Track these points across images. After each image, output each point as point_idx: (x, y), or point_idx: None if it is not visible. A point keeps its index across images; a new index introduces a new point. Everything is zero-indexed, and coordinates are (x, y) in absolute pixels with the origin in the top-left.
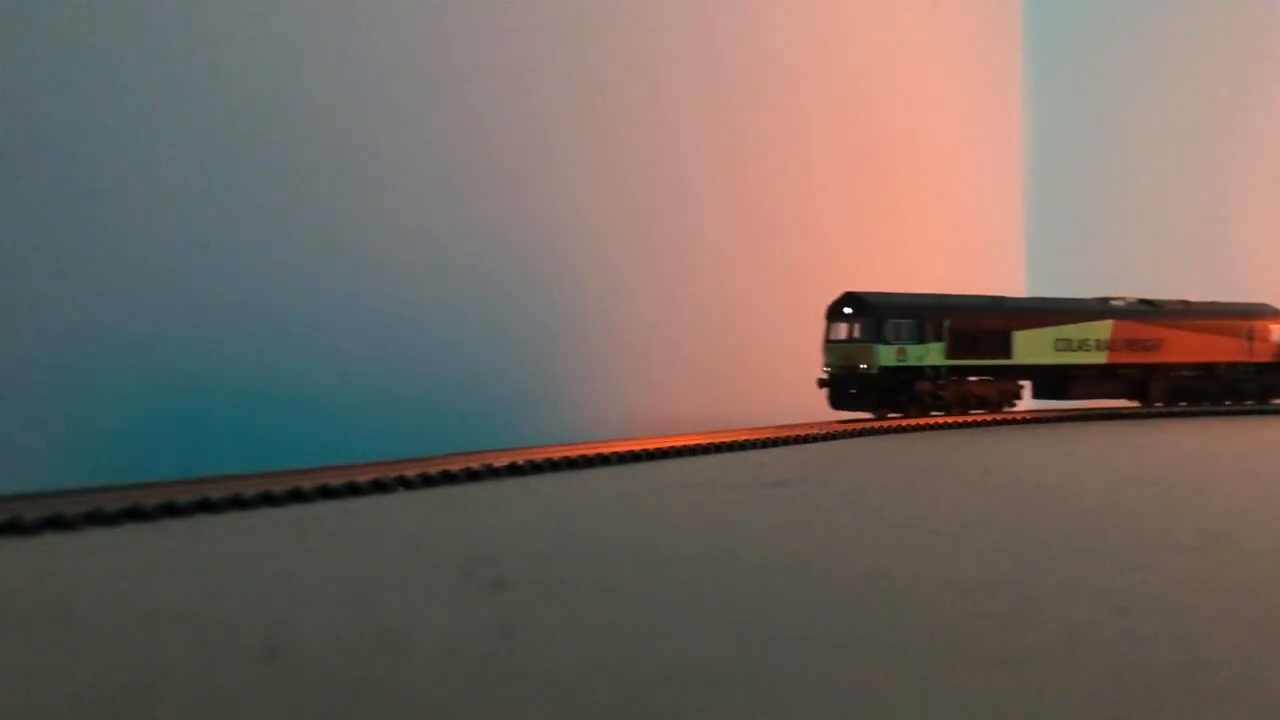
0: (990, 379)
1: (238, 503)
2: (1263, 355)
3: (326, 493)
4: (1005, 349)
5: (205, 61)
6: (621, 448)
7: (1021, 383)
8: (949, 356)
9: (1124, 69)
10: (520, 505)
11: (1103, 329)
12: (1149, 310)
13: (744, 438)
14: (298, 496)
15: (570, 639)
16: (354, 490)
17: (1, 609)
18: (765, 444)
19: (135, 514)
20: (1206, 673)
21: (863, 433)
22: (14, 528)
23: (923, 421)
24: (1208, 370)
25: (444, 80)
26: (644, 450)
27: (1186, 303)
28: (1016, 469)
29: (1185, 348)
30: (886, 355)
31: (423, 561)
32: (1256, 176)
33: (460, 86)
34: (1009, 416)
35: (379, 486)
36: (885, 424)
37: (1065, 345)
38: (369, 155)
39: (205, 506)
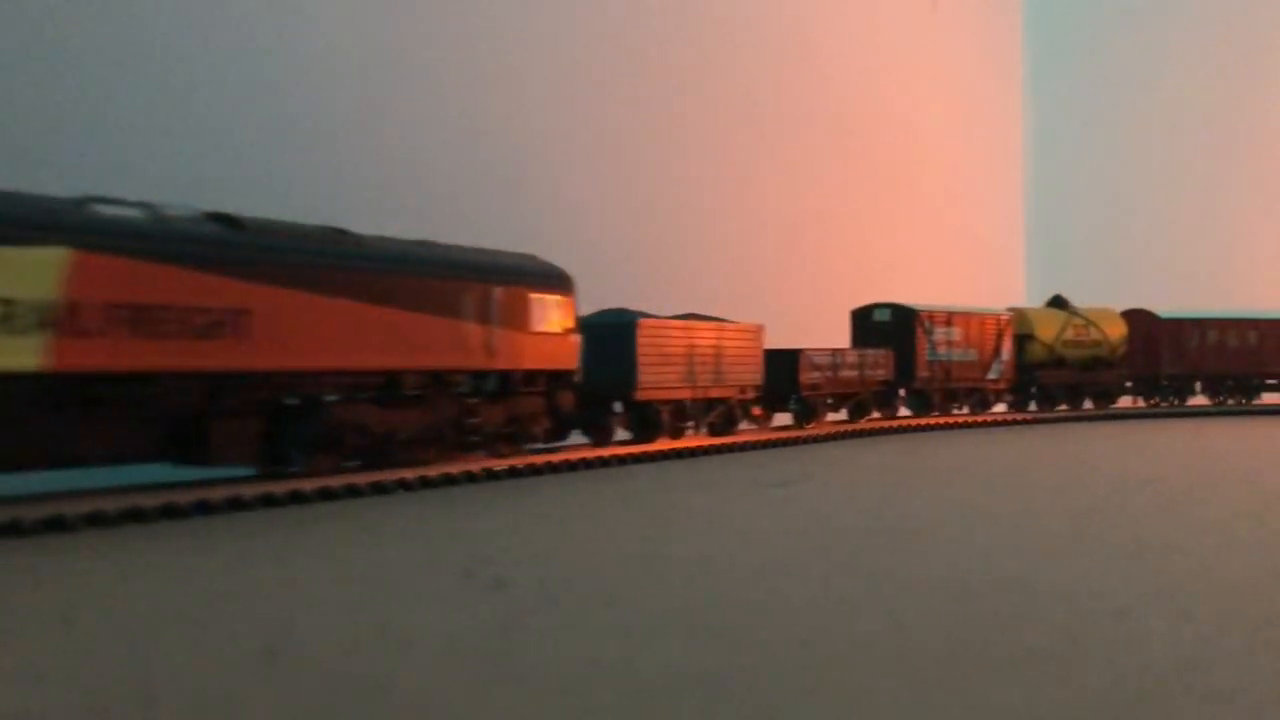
0: None
1: (237, 505)
2: (530, 356)
3: (326, 495)
4: None
5: None
6: (621, 450)
7: None
8: None
9: (1124, 77)
10: (520, 507)
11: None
12: (214, 238)
13: (744, 439)
14: (297, 498)
15: (570, 639)
16: (353, 492)
17: (1, 611)
18: (765, 445)
19: (135, 516)
20: (1207, 674)
21: (863, 434)
22: (13, 529)
23: (923, 422)
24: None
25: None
26: (644, 452)
27: (339, 234)
28: (1017, 470)
29: (305, 338)
30: None
31: (423, 562)
32: (1259, 182)
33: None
34: (1017, 417)
35: (378, 489)
36: (884, 425)
37: None
38: None
39: (205, 509)
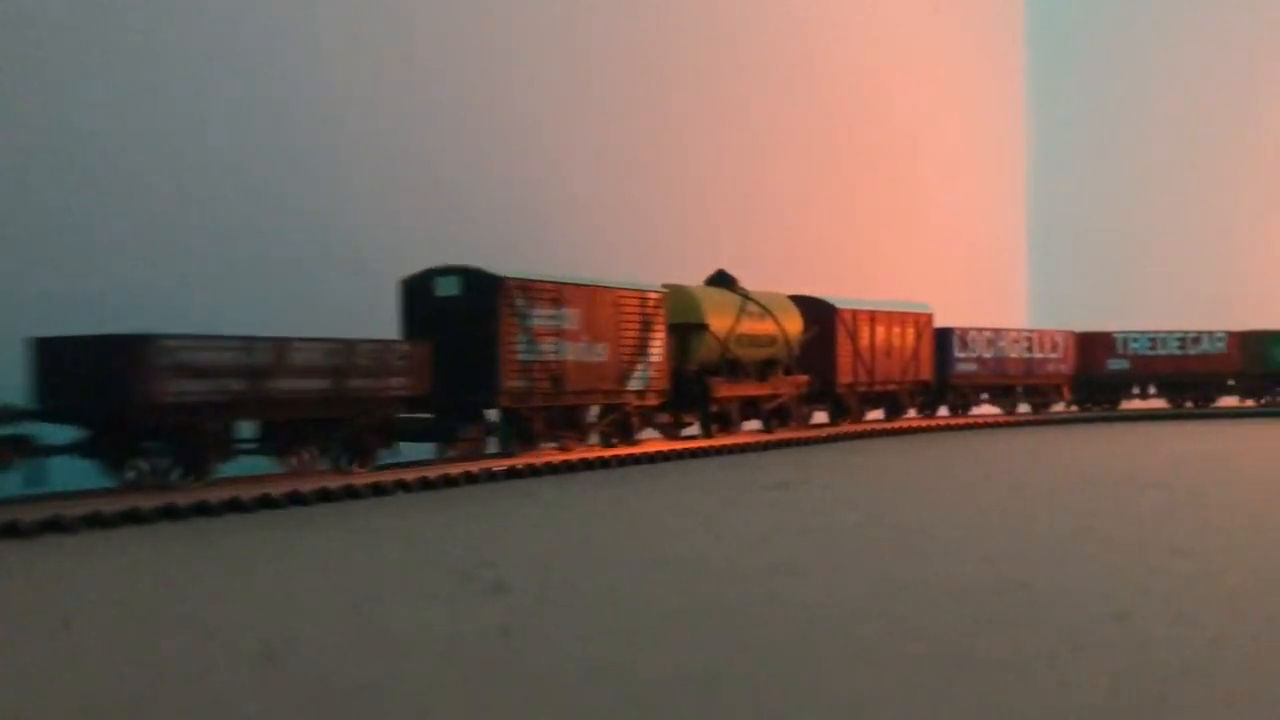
0: None
1: (236, 506)
2: None
3: (324, 496)
4: None
5: None
6: (622, 451)
7: None
8: None
9: (1127, 88)
10: (519, 509)
11: None
12: None
13: (744, 440)
14: (296, 500)
15: (570, 642)
16: (352, 494)
17: (0, 612)
18: (765, 446)
19: (134, 517)
20: (1207, 677)
21: (862, 435)
22: (13, 530)
23: (923, 423)
24: None
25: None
26: (644, 453)
27: None
28: (1017, 471)
29: None
30: None
31: (422, 564)
32: (1266, 195)
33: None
34: (1012, 419)
35: (377, 490)
36: (886, 425)
37: None
38: None
39: (203, 510)
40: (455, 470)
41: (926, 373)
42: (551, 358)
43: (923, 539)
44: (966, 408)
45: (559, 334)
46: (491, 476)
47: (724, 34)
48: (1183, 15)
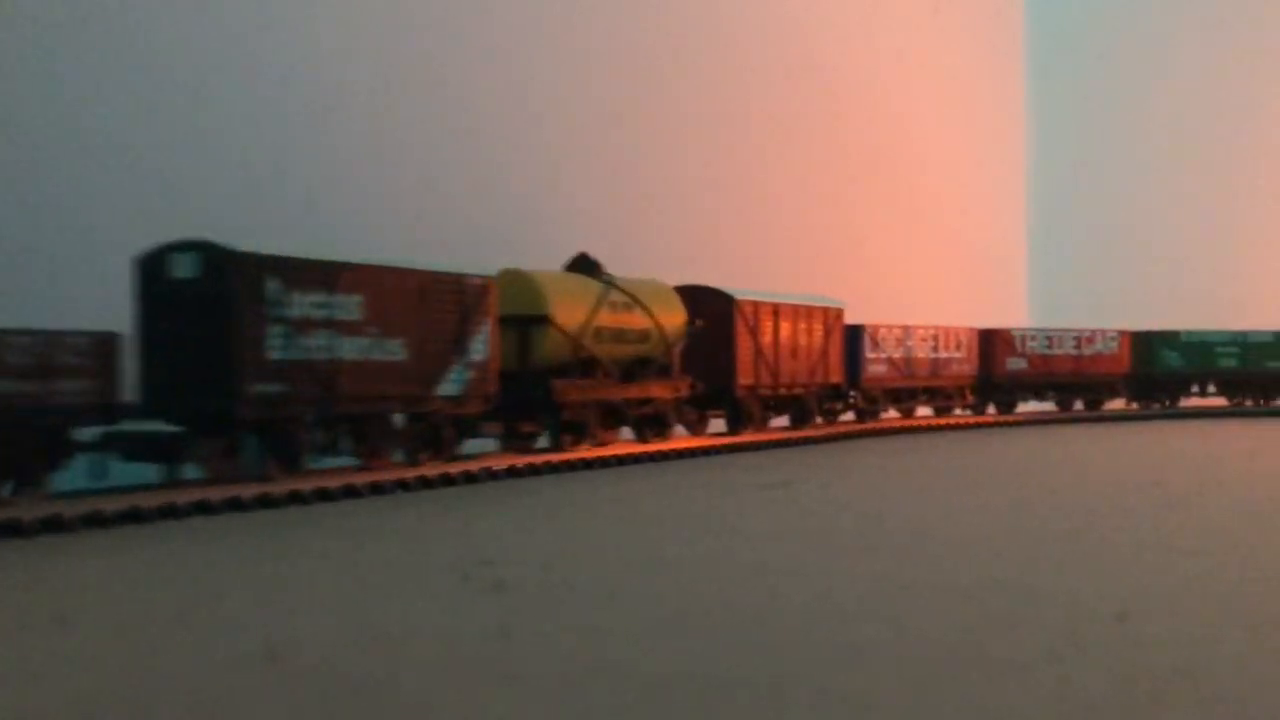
0: None
1: (235, 505)
2: None
3: (324, 495)
4: None
5: None
6: (621, 450)
7: None
8: None
9: (1127, 86)
10: (518, 508)
11: None
12: None
13: (744, 440)
14: (296, 499)
15: (569, 641)
16: (351, 493)
17: (0, 611)
18: (764, 446)
19: (133, 517)
20: (1207, 677)
21: (862, 435)
22: (12, 530)
23: (924, 423)
24: None
25: None
26: (643, 453)
27: None
28: (1017, 471)
29: None
30: None
31: (421, 564)
32: (1266, 193)
33: None
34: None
35: (376, 489)
36: (885, 426)
37: None
38: None
39: (204, 509)
40: (455, 470)
41: (836, 374)
42: (321, 356)
43: (922, 539)
44: (875, 414)
45: (330, 324)
46: (492, 476)
47: (723, 34)
48: (1182, 15)
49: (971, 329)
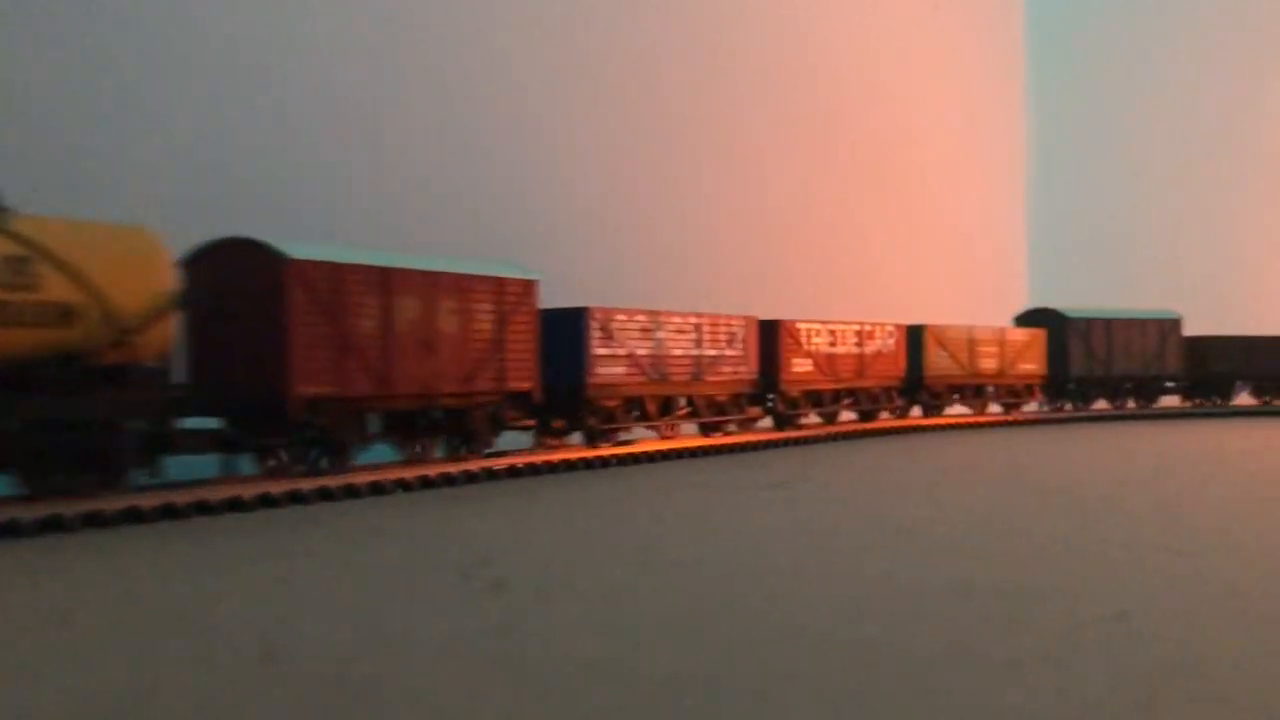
0: None
1: (235, 506)
2: None
3: (324, 495)
4: None
5: None
6: (621, 450)
7: None
8: None
9: (1127, 82)
10: (519, 508)
11: None
12: None
13: (743, 440)
14: (296, 499)
15: (569, 641)
16: (351, 493)
17: (0, 611)
18: (764, 446)
19: (133, 516)
20: (1205, 675)
21: (862, 434)
22: (13, 529)
23: (924, 423)
24: None
25: None
26: (643, 453)
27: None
28: (1017, 471)
29: None
30: None
31: (421, 563)
32: (1264, 186)
33: None
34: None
35: (377, 489)
36: (885, 425)
37: None
38: None
39: (203, 509)
40: (455, 469)
41: (524, 378)
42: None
43: (920, 538)
44: (606, 434)
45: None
46: (492, 476)
47: (723, 33)
48: (1181, 14)
49: (752, 319)
